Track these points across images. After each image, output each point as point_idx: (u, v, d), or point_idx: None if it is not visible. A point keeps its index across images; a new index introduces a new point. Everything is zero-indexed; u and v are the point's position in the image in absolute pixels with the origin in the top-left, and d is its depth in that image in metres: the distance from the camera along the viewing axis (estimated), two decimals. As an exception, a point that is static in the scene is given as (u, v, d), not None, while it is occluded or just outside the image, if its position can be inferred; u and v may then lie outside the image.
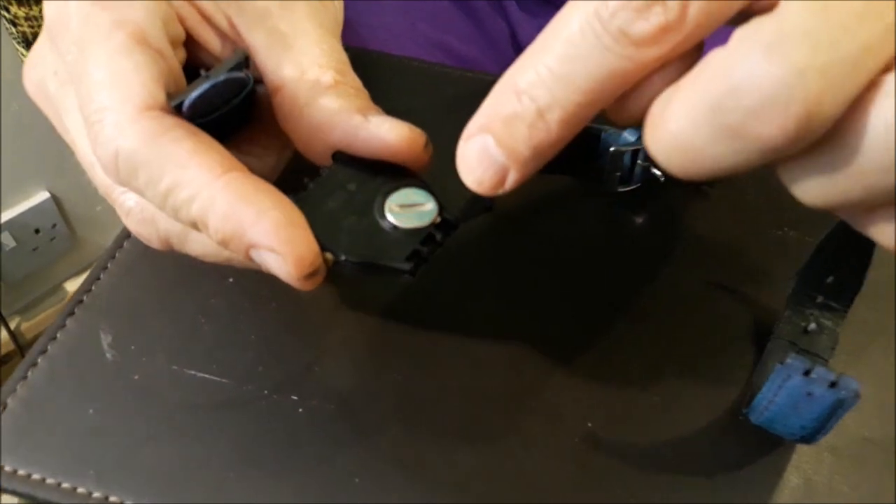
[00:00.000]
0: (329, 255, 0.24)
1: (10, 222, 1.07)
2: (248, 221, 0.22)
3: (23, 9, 0.90)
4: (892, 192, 0.17)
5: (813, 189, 0.18)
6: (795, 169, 0.18)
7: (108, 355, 0.30)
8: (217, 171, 0.23)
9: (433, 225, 0.25)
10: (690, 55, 0.19)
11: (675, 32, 0.18)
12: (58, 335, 0.31)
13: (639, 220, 0.34)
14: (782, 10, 0.17)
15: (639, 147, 0.33)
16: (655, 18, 0.18)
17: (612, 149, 0.33)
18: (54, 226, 1.12)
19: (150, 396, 0.29)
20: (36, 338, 1.13)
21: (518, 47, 0.48)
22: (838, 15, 0.16)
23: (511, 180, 0.21)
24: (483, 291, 0.32)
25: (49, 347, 0.31)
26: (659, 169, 0.34)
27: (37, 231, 1.10)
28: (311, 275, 0.23)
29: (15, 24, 0.91)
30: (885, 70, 0.17)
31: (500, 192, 0.21)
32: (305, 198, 0.25)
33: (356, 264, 0.24)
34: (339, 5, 0.30)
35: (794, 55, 0.16)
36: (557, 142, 0.20)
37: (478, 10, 0.47)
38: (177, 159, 0.23)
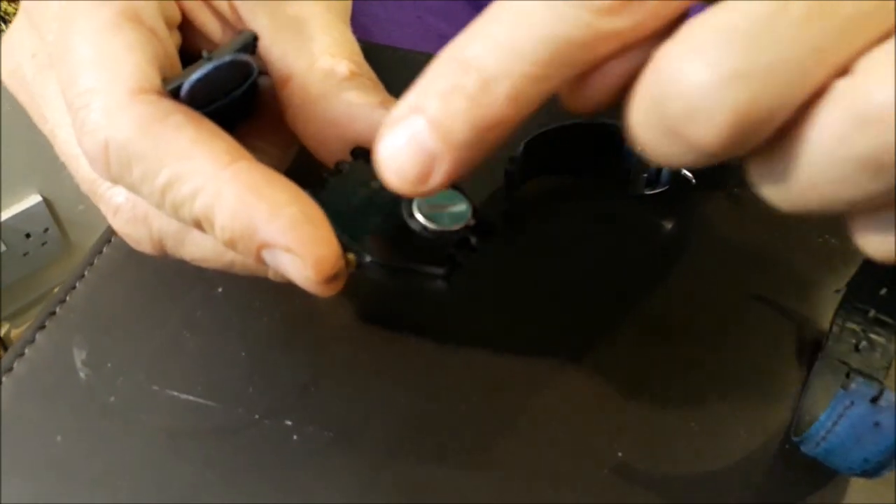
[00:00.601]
0: (352, 257, 0.21)
1: (1, 227, 1.05)
2: (260, 218, 0.20)
3: (13, 5, 0.88)
4: (853, 204, 0.15)
5: (772, 192, 0.17)
6: (753, 168, 0.17)
7: (82, 374, 0.28)
8: (224, 161, 0.20)
9: (467, 227, 0.22)
10: (653, 42, 0.17)
11: (641, 2, 0.16)
12: (26, 351, 0.28)
13: (668, 225, 0.32)
14: (726, 2, 0.15)
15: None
16: None
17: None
18: (46, 230, 1.10)
19: (127, 421, 0.26)
20: (26, 345, 1.11)
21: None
22: (786, 11, 0.14)
23: (440, 173, 0.18)
24: (498, 304, 0.29)
25: (15, 365, 0.28)
26: (689, 170, 0.31)
27: (28, 235, 1.08)
28: (331, 279, 0.21)
29: (5, 21, 0.89)
30: (837, 74, 0.15)
31: (425, 189, 0.18)
32: (325, 194, 0.22)
33: (384, 267, 0.22)
34: None
35: (724, 58, 0.14)
36: (501, 122, 0.17)
37: (485, 4, 0.44)
38: (177, 149, 0.20)
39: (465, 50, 0.17)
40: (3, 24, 0.88)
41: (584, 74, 0.18)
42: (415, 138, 0.18)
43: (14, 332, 1.13)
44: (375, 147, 0.19)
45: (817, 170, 0.15)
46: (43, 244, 1.11)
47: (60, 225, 1.12)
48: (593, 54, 0.17)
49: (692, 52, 0.15)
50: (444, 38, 0.47)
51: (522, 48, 0.16)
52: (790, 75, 0.14)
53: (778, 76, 0.14)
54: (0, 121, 0.95)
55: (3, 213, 1.05)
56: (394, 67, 0.38)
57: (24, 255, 1.10)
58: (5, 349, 1.09)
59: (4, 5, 0.85)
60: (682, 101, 0.15)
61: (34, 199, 1.07)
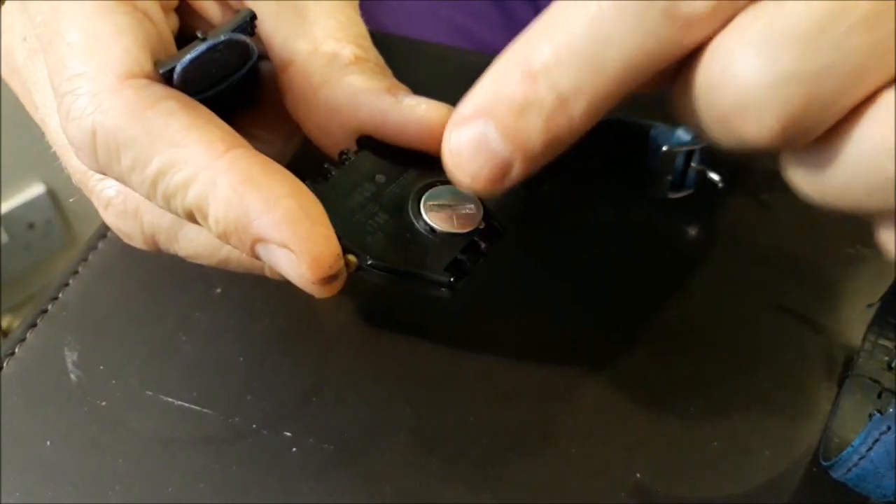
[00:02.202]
0: (352, 258, 0.20)
1: (4, 217, 1.05)
2: (255, 209, 0.19)
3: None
4: (884, 212, 0.16)
5: (801, 183, 0.17)
6: (788, 155, 0.17)
7: (73, 376, 0.26)
8: (219, 149, 0.19)
9: (476, 231, 0.21)
10: None
11: (732, 2, 0.15)
12: (16, 350, 0.27)
13: (692, 231, 0.30)
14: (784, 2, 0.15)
15: (694, 147, 0.29)
16: None
17: (664, 148, 0.29)
18: (49, 221, 1.09)
19: (119, 428, 0.25)
20: (27, 337, 1.11)
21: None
22: (844, 15, 0.14)
23: (514, 176, 0.18)
24: (511, 310, 0.28)
25: (6, 365, 0.27)
26: (717, 173, 0.30)
27: (31, 226, 1.08)
28: (329, 279, 0.20)
29: None
30: (890, 81, 0.15)
31: (498, 190, 0.19)
32: (326, 187, 0.21)
33: (385, 271, 0.21)
34: None
35: (781, 59, 0.14)
36: (577, 135, 0.18)
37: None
38: (169, 136, 0.19)
39: (533, 56, 0.17)
40: None
41: None
42: (486, 142, 0.18)
43: (16, 324, 1.13)
44: (443, 145, 0.19)
45: (854, 174, 0.15)
46: (46, 236, 1.10)
47: (64, 216, 1.12)
48: (669, 62, 0.16)
49: (748, 46, 0.15)
50: (457, 30, 0.46)
51: (604, 65, 0.16)
52: (844, 80, 0.14)
53: (832, 81, 0.14)
54: (2, 110, 0.94)
55: (6, 204, 1.05)
56: (407, 57, 0.36)
57: (27, 246, 1.09)
58: (6, 341, 1.08)
59: None
60: (733, 95, 0.15)
61: (38, 189, 1.06)
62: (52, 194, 1.08)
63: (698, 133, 0.17)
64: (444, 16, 0.43)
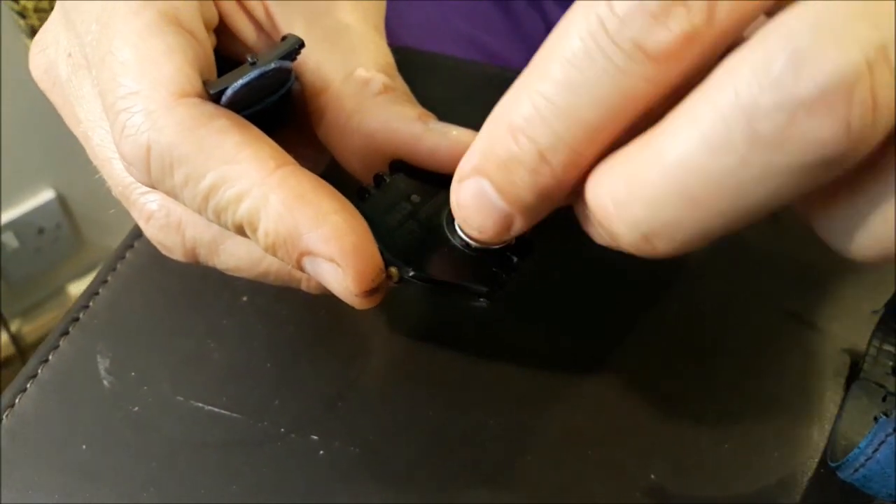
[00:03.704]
0: (394, 271, 0.21)
1: (14, 222, 1.05)
2: (305, 224, 0.20)
3: (31, 1, 0.87)
4: None
5: (862, 240, 0.15)
6: (832, 209, 0.15)
7: (106, 382, 0.27)
8: (270, 166, 0.20)
9: (508, 246, 0.22)
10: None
11: (702, 40, 0.14)
12: (50, 357, 0.28)
13: (702, 240, 0.31)
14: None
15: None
16: (677, 25, 0.14)
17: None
18: (58, 226, 1.09)
19: (152, 432, 0.26)
20: (37, 341, 1.11)
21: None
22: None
23: (517, 227, 0.18)
24: (528, 317, 0.29)
25: (40, 371, 0.28)
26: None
27: (40, 231, 1.08)
28: (371, 292, 0.20)
29: (23, 17, 0.89)
30: None
31: (508, 238, 0.19)
32: (368, 205, 0.22)
33: (426, 282, 0.21)
34: None
35: (855, 30, 0.13)
36: (567, 184, 0.17)
37: (515, 8, 0.44)
38: (223, 153, 0.20)
39: (513, 113, 0.16)
40: (21, 20, 0.87)
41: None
42: (486, 198, 0.18)
43: (25, 328, 1.13)
44: (451, 198, 0.19)
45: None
46: (55, 240, 1.10)
47: (73, 221, 1.12)
48: (655, 102, 0.15)
49: (810, 30, 0.13)
50: (470, 42, 0.46)
51: (577, 115, 0.15)
52: None
53: None
54: (15, 115, 0.95)
55: (16, 209, 1.05)
56: (421, 69, 0.37)
57: (37, 250, 1.09)
58: (17, 345, 1.08)
59: (23, 1, 0.85)
60: (805, 86, 0.13)
61: (48, 194, 1.06)
62: (61, 200, 1.07)
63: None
64: (457, 28, 0.43)
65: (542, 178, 0.17)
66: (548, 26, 0.44)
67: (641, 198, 0.15)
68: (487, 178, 0.17)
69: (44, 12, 0.87)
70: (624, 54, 0.15)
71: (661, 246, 0.16)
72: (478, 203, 0.18)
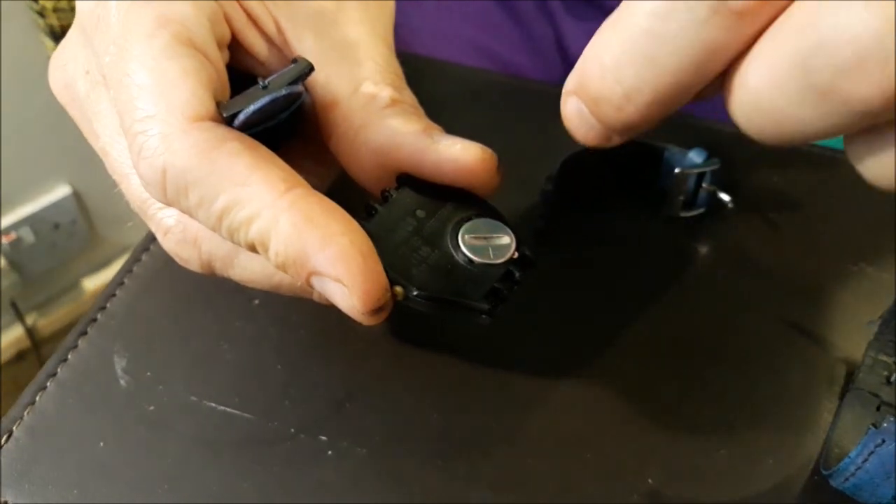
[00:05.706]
0: (399, 290, 0.22)
1: (31, 217, 1.06)
2: (313, 246, 0.20)
3: (50, 1, 0.89)
4: None
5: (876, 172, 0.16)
6: (870, 143, 0.16)
7: (122, 382, 0.28)
8: (280, 188, 0.21)
9: (510, 261, 0.23)
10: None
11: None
12: (69, 357, 0.29)
13: (703, 249, 0.32)
14: None
15: (706, 169, 0.30)
16: None
17: (677, 170, 0.30)
18: (74, 222, 1.11)
19: (167, 430, 0.27)
20: (52, 335, 1.13)
21: (564, 52, 0.45)
22: None
23: (617, 141, 0.19)
24: (531, 325, 0.29)
25: (59, 370, 0.29)
26: (727, 193, 0.31)
27: (56, 226, 1.09)
28: (377, 310, 0.21)
29: (42, 16, 0.90)
30: None
31: (611, 146, 0.20)
32: (373, 224, 0.23)
33: (430, 301, 0.22)
34: (392, 5, 0.28)
35: None
36: (652, 121, 0.18)
37: (523, 14, 0.44)
38: (235, 176, 0.20)
39: (605, 52, 0.17)
40: (40, 20, 0.89)
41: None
42: (584, 115, 0.19)
43: (40, 322, 1.15)
44: (562, 113, 0.20)
45: None
46: (70, 236, 1.12)
47: (88, 217, 1.13)
48: (726, 58, 0.16)
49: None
50: (479, 50, 0.47)
51: (661, 62, 0.16)
52: None
53: None
54: (32, 112, 0.96)
55: (33, 204, 1.06)
56: (430, 77, 0.38)
57: (53, 245, 1.11)
58: (32, 339, 1.10)
59: (42, 1, 0.86)
60: (846, 51, 0.14)
61: (64, 190, 1.08)
62: (77, 196, 1.09)
63: (767, 129, 0.16)
64: (466, 35, 0.44)
65: (626, 115, 0.18)
66: (557, 33, 0.45)
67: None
68: (582, 102, 0.19)
69: (62, 12, 0.88)
70: (708, 9, 0.16)
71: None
72: (578, 120, 0.19)
